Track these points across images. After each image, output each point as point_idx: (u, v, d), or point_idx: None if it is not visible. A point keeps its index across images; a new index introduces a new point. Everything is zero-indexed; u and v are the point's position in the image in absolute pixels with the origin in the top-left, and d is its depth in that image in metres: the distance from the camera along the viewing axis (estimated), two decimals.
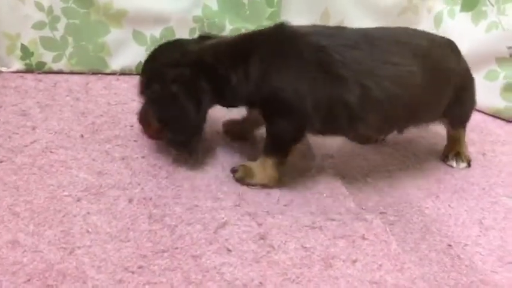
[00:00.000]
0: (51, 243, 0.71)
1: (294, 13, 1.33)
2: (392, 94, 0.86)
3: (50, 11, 1.20)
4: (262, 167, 0.89)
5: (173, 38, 0.97)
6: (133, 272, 0.67)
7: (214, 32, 1.17)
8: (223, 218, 0.79)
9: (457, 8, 1.34)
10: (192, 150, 0.95)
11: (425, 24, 1.39)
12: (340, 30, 0.93)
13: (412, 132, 1.16)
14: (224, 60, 0.88)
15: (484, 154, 1.12)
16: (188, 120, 0.88)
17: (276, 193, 0.88)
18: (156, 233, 0.75)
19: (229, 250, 0.73)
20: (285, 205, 0.85)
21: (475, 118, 1.20)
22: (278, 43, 0.87)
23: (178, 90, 0.87)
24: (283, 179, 0.91)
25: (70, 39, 1.24)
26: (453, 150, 1.07)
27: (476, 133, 1.21)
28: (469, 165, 1.05)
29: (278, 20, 1.32)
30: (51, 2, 1.20)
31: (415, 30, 1.02)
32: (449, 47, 0.99)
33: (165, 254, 0.71)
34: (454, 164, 1.06)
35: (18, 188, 0.81)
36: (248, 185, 0.89)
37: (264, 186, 0.89)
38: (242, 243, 0.74)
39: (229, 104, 0.94)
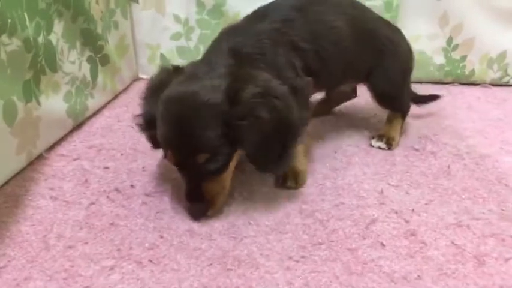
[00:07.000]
0: (222, 233, 0.80)
1: (413, 17, 1.36)
2: (332, 53, 0.98)
3: (186, 22, 1.32)
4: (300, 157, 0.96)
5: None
6: (297, 261, 0.75)
7: None
8: (372, 215, 0.85)
9: None
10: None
11: None
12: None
13: None
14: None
15: None
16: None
17: (415, 192, 0.92)
18: (309, 226, 0.82)
19: (383, 245, 0.78)
20: (426, 204, 0.89)
21: None
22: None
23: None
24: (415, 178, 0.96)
25: (202, 48, 1.35)
26: (381, 131, 1.14)
27: None
28: (388, 148, 1.10)
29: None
30: (187, 14, 1.31)
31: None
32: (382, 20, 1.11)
33: (323, 246, 0.78)
34: (373, 142, 1.12)
35: None
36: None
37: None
38: (394, 238, 0.79)
39: None
